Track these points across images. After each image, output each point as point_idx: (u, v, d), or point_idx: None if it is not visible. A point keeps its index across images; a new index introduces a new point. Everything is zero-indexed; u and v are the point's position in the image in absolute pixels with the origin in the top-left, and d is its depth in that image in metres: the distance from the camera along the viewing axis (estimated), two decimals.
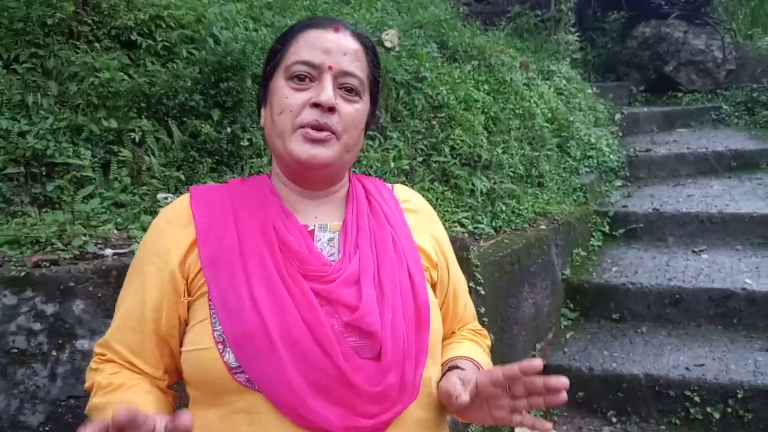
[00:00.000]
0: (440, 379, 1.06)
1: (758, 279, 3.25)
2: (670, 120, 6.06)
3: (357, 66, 1.03)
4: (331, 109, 0.99)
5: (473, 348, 1.17)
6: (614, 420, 2.89)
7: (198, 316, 0.97)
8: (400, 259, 1.04)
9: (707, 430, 2.73)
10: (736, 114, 6.01)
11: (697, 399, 2.75)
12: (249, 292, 0.93)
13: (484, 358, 1.16)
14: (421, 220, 1.16)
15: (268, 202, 1.04)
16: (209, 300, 0.95)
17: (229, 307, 0.93)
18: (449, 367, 1.08)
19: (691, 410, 2.76)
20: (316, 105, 0.98)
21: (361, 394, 0.92)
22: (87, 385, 1.01)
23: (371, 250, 1.03)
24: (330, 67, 1.00)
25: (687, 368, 2.85)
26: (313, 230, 1.05)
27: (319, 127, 0.99)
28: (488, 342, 1.24)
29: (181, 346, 1.00)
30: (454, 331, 1.21)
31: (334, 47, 1.01)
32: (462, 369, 1.07)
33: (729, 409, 2.70)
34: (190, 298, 0.99)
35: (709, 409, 2.73)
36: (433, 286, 1.11)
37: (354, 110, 1.02)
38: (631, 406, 2.88)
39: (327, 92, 0.98)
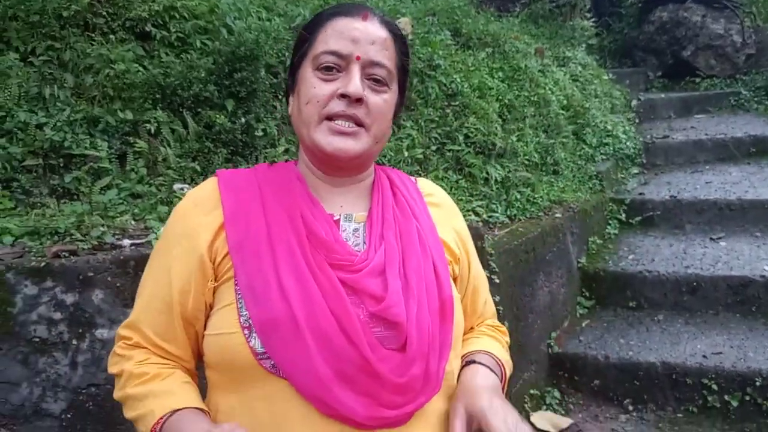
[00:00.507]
0: (459, 373, 1.06)
1: None
2: (688, 106, 5.97)
3: (385, 55, 1.02)
4: (359, 101, 0.98)
5: (492, 343, 1.17)
6: (630, 408, 2.88)
7: (224, 300, 0.97)
8: (425, 251, 1.04)
9: (725, 418, 2.71)
10: (756, 99, 5.89)
11: (714, 387, 2.73)
12: (276, 279, 0.94)
13: (503, 354, 1.16)
14: (444, 214, 1.16)
15: (295, 189, 1.04)
16: (236, 285, 0.96)
17: (256, 293, 0.93)
18: (467, 362, 1.08)
19: (709, 398, 2.74)
20: (343, 96, 0.98)
21: (385, 385, 0.92)
22: (115, 370, 1.02)
23: (396, 242, 1.03)
24: (358, 57, 0.99)
25: (704, 356, 2.83)
26: (339, 220, 1.05)
27: (347, 117, 0.98)
28: (507, 339, 1.25)
29: (204, 329, 1.00)
30: (472, 326, 1.22)
31: (362, 36, 1.00)
32: (479, 363, 1.07)
33: (747, 397, 2.68)
34: (216, 283, 0.99)
35: (726, 397, 2.71)
36: (454, 280, 1.12)
37: (382, 101, 1.02)
38: (648, 395, 2.87)
39: (355, 83, 0.98)
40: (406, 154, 2.88)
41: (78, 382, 1.51)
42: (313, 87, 1.00)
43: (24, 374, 1.47)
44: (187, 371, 1.04)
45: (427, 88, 3.26)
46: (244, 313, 0.93)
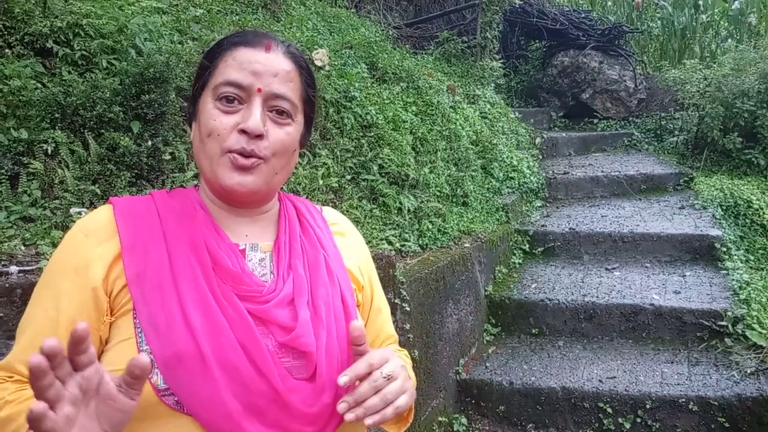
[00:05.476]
0: None
1: (664, 294, 3.47)
2: (587, 144, 6.40)
3: (289, 87, 0.99)
4: (259, 136, 0.96)
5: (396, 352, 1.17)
6: None
7: (121, 335, 0.92)
8: (332, 281, 1.04)
9: None
10: (646, 140, 6.41)
11: (609, 410, 2.88)
12: (181, 312, 0.90)
13: (407, 362, 1.16)
14: (349, 243, 1.17)
15: (197, 217, 1.00)
16: (134, 318, 0.91)
17: (158, 327, 0.89)
18: None
19: (604, 421, 2.89)
20: (243, 131, 0.95)
21: (296, 415, 0.91)
22: None
23: (305, 271, 1.02)
24: (259, 90, 0.96)
25: (600, 380, 2.99)
26: (244, 249, 1.02)
27: (246, 155, 0.96)
28: (409, 361, 1.25)
29: None
30: None
31: (264, 69, 0.97)
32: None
33: (638, 419, 2.85)
34: (112, 318, 0.93)
35: (620, 420, 2.87)
36: (358, 307, 1.12)
37: (285, 134, 1.00)
38: (549, 419, 2.99)
39: (254, 119, 0.95)
40: (321, 182, 2.89)
41: None
42: (213, 119, 0.96)
43: None
44: None
45: (342, 119, 3.30)
46: (145, 347, 0.89)
